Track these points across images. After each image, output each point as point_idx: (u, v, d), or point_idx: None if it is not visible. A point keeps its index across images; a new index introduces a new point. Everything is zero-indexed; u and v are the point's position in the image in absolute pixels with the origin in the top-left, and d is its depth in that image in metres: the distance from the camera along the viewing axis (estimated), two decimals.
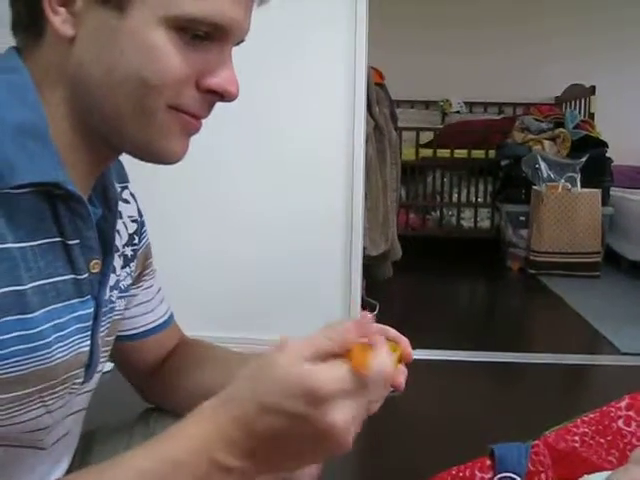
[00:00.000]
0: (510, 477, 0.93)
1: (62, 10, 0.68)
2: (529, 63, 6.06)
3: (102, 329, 0.81)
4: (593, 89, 5.42)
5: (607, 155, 4.95)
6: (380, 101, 3.51)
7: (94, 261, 0.76)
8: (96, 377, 0.84)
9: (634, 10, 6.03)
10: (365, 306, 3.07)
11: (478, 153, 5.54)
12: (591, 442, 0.92)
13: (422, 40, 6.13)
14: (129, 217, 0.91)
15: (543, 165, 4.73)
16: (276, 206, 2.87)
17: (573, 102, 5.80)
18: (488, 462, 0.95)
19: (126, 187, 0.92)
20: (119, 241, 0.86)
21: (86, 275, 0.75)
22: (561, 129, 5.04)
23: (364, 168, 2.90)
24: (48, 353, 0.70)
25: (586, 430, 0.92)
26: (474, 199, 5.62)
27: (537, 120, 5.28)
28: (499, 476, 0.94)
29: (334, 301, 2.87)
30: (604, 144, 4.95)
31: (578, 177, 4.66)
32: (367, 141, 3.02)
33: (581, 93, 5.63)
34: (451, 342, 3.09)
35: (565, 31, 6.07)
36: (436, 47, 6.11)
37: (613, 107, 5.60)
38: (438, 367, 2.77)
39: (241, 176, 2.86)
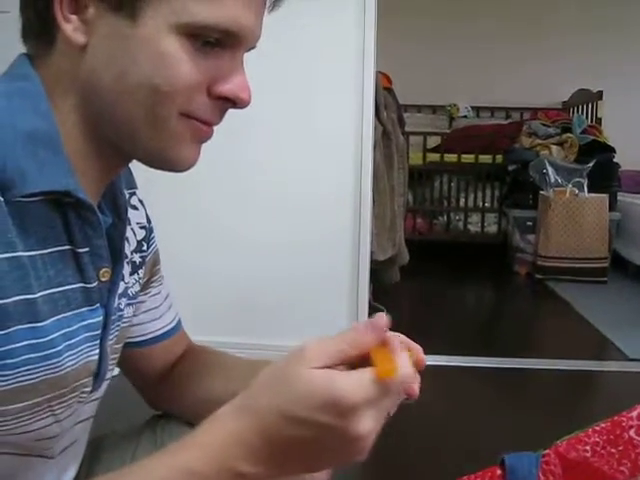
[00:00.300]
0: None
1: (74, 18, 0.68)
2: (537, 68, 6.05)
3: (111, 337, 0.81)
4: (600, 94, 5.41)
5: (614, 160, 4.94)
6: (388, 106, 3.51)
7: (104, 269, 0.76)
8: (104, 385, 0.84)
9: None
10: (372, 311, 3.06)
11: (485, 158, 5.53)
12: (602, 452, 0.91)
13: (429, 45, 6.13)
14: (137, 224, 0.91)
15: (550, 170, 4.72)
16: (283, 210, 2.86)
17: (580, 107, 5.79)
18: (499, 471, 0.95)
19: (134, 193, 0.92)
20: (127, 248, 0.85)
21: (95, 284, 0.75)
22: (568, 134, 5.04)
23: (372, 173, 2.89)
24: (58, 362, 0.69)
25: (597, 440, 0.92)
26: (481, 204, 5.61)
27: (544, 125, 5.27)
28: None
29: (341, 306, 2.86)
30: (611, 149, 4.94)
31: (585, 182, 4.65)
32: (375, 146, 3.01)
33: (588, 98, 5.61)
34: (458, 348, 3.08)
35: (573, 36, 6.06)
36: (443, 52, 6.11)
37: (620, 112, 5.59)
38: (445, 373, 2.76)
39: (248, 182, 2.86)
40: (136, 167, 0.88)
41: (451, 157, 5.56)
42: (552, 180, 4.71)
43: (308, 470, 0.66)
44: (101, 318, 0.77)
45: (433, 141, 5.68)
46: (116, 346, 0.85)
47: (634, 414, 0.93)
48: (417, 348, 0.72)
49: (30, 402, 0.68)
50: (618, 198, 4.95)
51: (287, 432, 0.59)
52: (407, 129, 4.59)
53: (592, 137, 4.96)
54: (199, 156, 0.75)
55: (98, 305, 0.76)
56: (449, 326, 3.72)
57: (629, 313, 3.92)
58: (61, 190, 0.68)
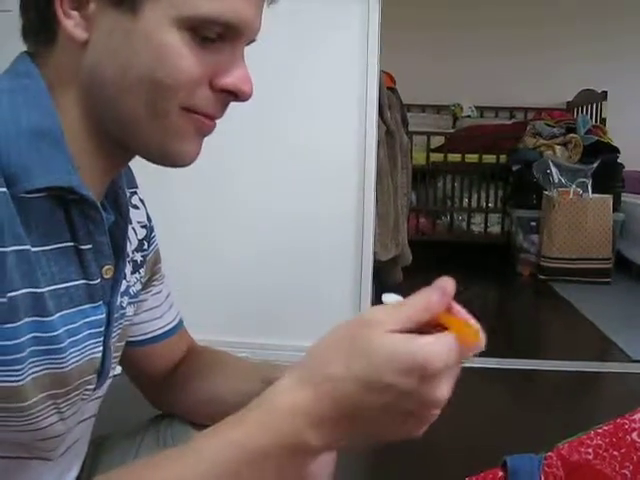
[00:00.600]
0: None
1: (75, 14, 0.68)
2: (541, 68, 6.04)
3: (114, 335, 0.81)
4: (605, 94, 5.39)
5: (619, 161, 4.92)
6: (392, 105, 3.50)
7: (106, 267, 0.76)
8: (107, 384, 0.84)
9: None
10: None
11: (489, 158, 5.52)
12: (605, 454, 0.90)
13: (433, 44, 6.12)
14: (138, 223, 0.91)
15: (554, 170, 4.71)
16: (287, 210, 2.86)
17: (585, 107, 5.77)
18: (500, 473, 0.94)
19: (135, 192, 0.92)
20: (129, 247, 0.85)
21: (98, 281, 0.75)
22: (572, 134, 5.02)
23: (375, 173, 2.89)
24: (63, 358, 0.70)
25: (600, 442, 0.91)
26: (485, 204, 5.60)
27: (548, 125, 5.26)
28: None
29: (344, 306, 2.86)
30: (616, 150, 4.92)
31: (589, 183, 4.63)
32: (379, 146, 3.01)
33: (593, 98, 5.60)
34: None
35: (577, 36, 6.05)
36: (447, 51, 6.10)
37: (625, 113, 5.58)
38: None
39: (251, 180, 2.86)
40: (136, 167, 0.88)
41: (455, 157, 5.55)
42: (556, 180, 4.70)
43: (369, 441, 0.65)
44: (104, 315, 0.77)
45: (437, 141, 5.66)
46: (118, 344, 0.85)
47: (637, 417, 0.92)
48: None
49: (37, 399, 0.68)
50: (622, 199, 4.93)
51: (365, 399, 0.59)
52: (411, 129, 4.58)
53: (596, 137, 4.94)
54: (200, 151, 0.75)
55: (101, 302, 0.76)
56: None
57: (632, 314, 3.91)
58: (64, 186, 0.68)
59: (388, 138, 3.39)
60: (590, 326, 3.62)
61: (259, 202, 2.87)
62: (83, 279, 0.73)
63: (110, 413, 1.02)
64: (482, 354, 0.63)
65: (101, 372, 0.79)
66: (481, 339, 0.60)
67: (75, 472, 0.88)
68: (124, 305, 0.84)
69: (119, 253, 0.79)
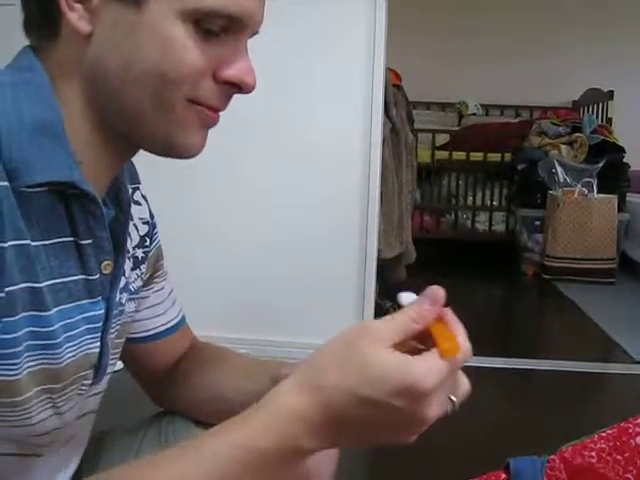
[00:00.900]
0: None
1: (79, 7, 0.68)
2: (547, 66, 6.02)
3: (112, 331, 0.81)
4: (611, 94, 5.38)
5: (624, 161, 4.91)
6: (397, 103, 3.49)
7: (106, 262, 0.76)
8: (105, 379, 0.84)
9: None
10: (378, 310, 3.05)
11: (494, 156, 5.51)
12: (608, 458, 0.90)
13: (439, 42, 6.11)
14: (140, 219, 0.91)
15: (560, 170, 4.70)
16: (291, 207, 2.86)
17: (591, 107, 5.76)
18: (503, 475, 0.94)
19: (137, 188, 0.92)
20: (129, 243, 0.85)
21: (97, 276, 0.75)
22: (578, 134, 5.01)
23: (380, 170, 2.88)
24: (59, 353, 0.70)
25: (603, 446, 0.91)
26: (489, 202, 5.59)
27: (554, 124, 5.25)
28: None
29: (347, 304, 2.86)
30: (621, 149, 4.91)
31: (595, 182, 4.62)
32: (384, 143, 3.00)
33: (599, 98, 5.59)
34: None
35: (585, 36, 6.04)
36: (453, 49, 6.09)
37: (631, 112, 5.55)
38: None
39: (255, 177, 2.86)
40: (138, 161, 0.87)
41: (460, 155, 5.54)
42: (561, 180, 4.69)
43: (359, 445, 0.67)
44: (102, 311, 0.77)
45: (442, 139, 5.66)
46: (117, 341, 0.84)
47: None
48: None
49: (31, 393, 0.68)
50: (627, 199, 4.92)
51: (355, 412, 0.60)
52: (416, 126, 4.57)
53: (602, 137, 4.93)
54: (205, 143, 0.75)
55: (100, 298, 0.76)
56: None
57: (636, 315, 3.90)
58: (65, 181, 0.68)
59: (393, 136, 3.39)
60: (594, 327, 3.61)
61: (264, 198, 2.87)
62: (82, 274, 0.73)
63: (112, 410, 1.02)
64: (483, 354, 0.63)
65: (98, 368, 0.79)
66: (460, 352, 0.62)
67: (74, 466, 0.88)
68: (123, 301, 0.83)
69: (119, 249, 0.79)
